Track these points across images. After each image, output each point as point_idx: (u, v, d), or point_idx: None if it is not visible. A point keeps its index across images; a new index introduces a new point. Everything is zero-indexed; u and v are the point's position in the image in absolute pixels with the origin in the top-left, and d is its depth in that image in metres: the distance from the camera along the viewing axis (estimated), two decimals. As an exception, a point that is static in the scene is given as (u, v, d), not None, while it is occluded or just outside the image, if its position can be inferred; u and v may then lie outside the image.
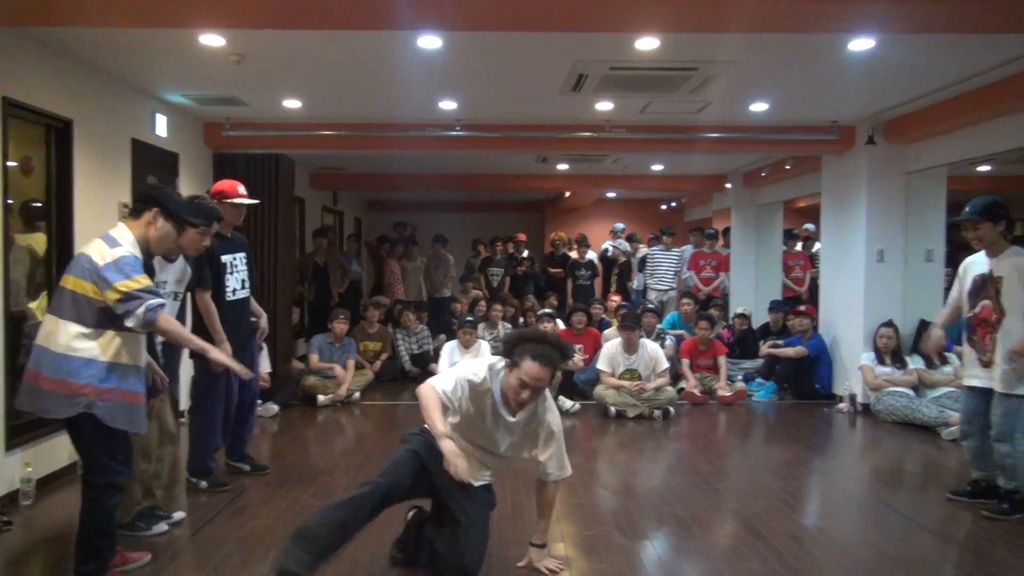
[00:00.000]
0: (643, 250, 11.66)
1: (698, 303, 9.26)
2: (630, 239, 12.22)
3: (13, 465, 4.41)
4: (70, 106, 4.94)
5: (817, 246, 9.91)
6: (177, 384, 4.19)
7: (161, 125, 6.23)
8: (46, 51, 4.75)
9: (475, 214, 15.34)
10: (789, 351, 7.87)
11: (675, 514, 4.30)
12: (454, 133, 7.07)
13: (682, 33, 4.65)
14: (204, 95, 6.20)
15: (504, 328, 9.08)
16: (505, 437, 3.39)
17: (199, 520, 4.15)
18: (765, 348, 8.36)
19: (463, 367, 3.44)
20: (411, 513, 3.72)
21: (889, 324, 6.95)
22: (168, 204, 3.31)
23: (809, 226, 11.28)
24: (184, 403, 6.57)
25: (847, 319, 7.52)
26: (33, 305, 4.73)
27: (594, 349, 7.82)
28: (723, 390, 7.61)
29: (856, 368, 7.16)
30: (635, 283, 11.33)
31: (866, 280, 7.18)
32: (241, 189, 4.74)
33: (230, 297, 4.68)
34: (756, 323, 9.27)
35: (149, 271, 3.83)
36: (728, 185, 10.99)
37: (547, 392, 3.44)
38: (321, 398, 7.35)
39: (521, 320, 9.58)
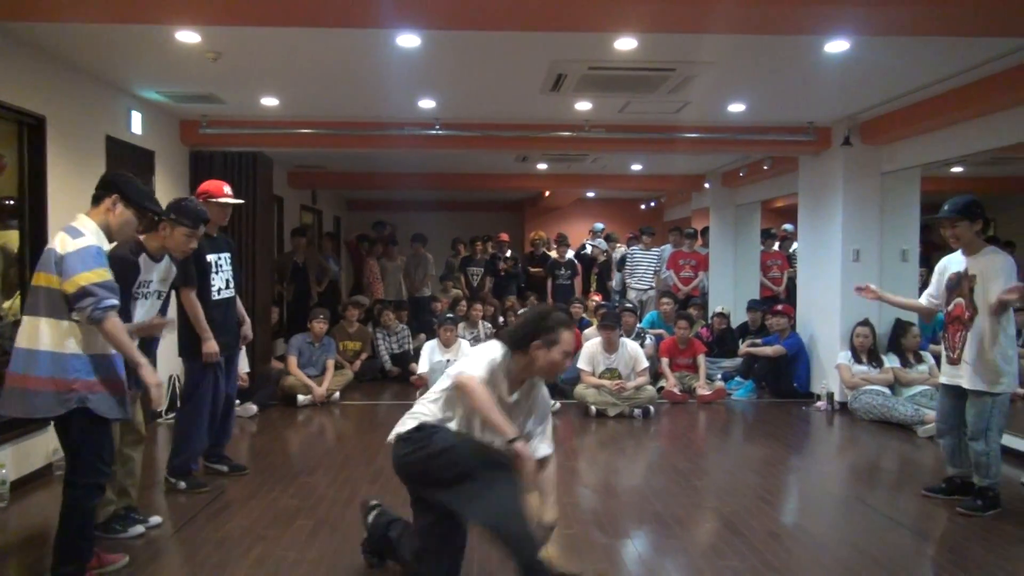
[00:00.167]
0: (620, 249, 11.71)
1: (677, 302, 9.32)
2: (608, 239, 12.26)
3: (-15, 467, 4.34)
4: (43, 103, 4.87)
5: (794, 246, 10.00)
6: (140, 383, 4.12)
7: (136, 122, 6.16)
8: (19, 46, 4.68)
9: (455, 213, 15.32)
10: (767, 350, 7.93)
11: (655, 512, 4.32)
12: (433, 132, 7.05)
13: (660, 34, 4.68)
14: (180, 92, 6.13)
15: (484, 327, 9.07)
16: (513, 418, 3.19)
17: (178, 522, 4.11)
18: (744, 347, 8.42)
19: (480, 352, 3.17)
20: (372, 515, 3.51)
21: (865, 323, 7.02)
22: (127, 190, 3.25)
23: (788, 227, 11.38)
24: (163, 403, 6.52)
25: (824, 318, 7.60)
26: (6, 305, 4.66)
27: (575, 348, 7.82)
28: (702, 389, 7.65)
29: (833, 367, 7.23)
30: (614, 282, 11.38)
31: (842, 280, 7.25)
32: (227, 189, 4.77)
33: (215, 296, 4.68)
34: (735, 322, 9.33)
35: (137, 270, 3.81)
36: (707, 185, 11.06)
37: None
38: (301, 398, 7.31)
39: (501, 320, 9.58)
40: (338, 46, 4.97)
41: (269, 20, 4.22)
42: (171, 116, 6.86)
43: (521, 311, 8.25)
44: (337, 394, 7.57)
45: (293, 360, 7.51)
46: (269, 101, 6.43)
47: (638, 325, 8.43)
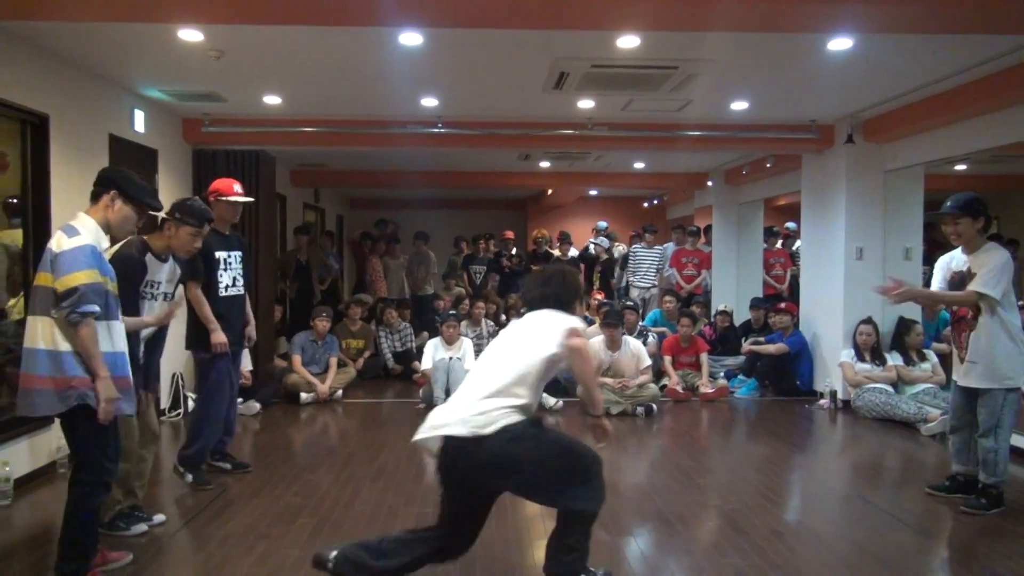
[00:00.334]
0: (619, 248, 11.71)
1: (680, 300, 9.30)
2: (608, 238, 12.26)
3: (-10, 465, 4.36)
4: (46, 101, 4.88)
5: (797, 244, 9.99)
6: (159, 383, 4.15)
7: (139, 121, 6.16)
8: (22, 45, 4.69)
9: (457, 211, 15.32)
10: (770, 348, 7.92)
11: (658, 510, 4.32)
12: (436, 130, 7.05)
13: (663, 32, 4.68)
14: (183, 91, 6.14)
15: (487, 325, 9.07)
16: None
17: (181, 520, 4.12)
18: (747, 345, 8.41)
19: (568, 319, 3.11)
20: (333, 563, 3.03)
21: (868, 321, 7.01)
22: (126, 186, 3.25)
23: (790, 225, 11.37)
24: (165, 401, 6.53)
25: (827, 316, 7.59)
26: (11, 303, 4.68)
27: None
28: (705, 387, 7.65)
29: (836, 365, 7.22)
30: (616, 280, 11.37)
31: (846, 278, 7.25)
32: (237, 187, 4.82)
33: (222, 293, 4.71)
34: (738, 320, 9.32)
35: (143, 269, 3.82)
36: (709, 183, 11.04)
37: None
38: (304, 396, 7.32)
39: (504, 318, 9.58)
40: (340, 44, 4.98)
41: (271, 18, 4.23)
42: (174, 114, 6.86)
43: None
44: (340, 392, 7.58)
45: (297, 359, 7.51)
46: (272, 99, 6.43)
47: (640, 323, 8.42)
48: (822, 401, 7.34)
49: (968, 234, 4.26)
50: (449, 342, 7.30)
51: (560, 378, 7.50)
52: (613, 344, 7.11)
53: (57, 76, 5.05)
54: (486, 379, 3.00)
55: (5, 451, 4.50)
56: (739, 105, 6.59)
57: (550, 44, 4.95)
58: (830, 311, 7.50)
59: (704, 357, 7.90)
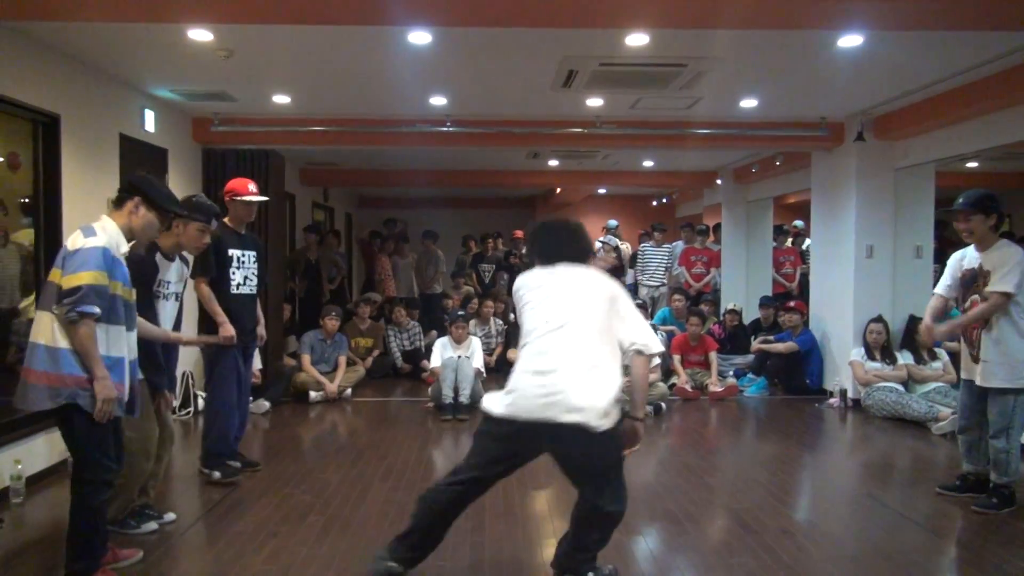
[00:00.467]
0: (623, 246, 11.73)
1: (689, 299, 9.28)
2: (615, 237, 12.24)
3: (3, 462, 4.39)
4: (58, 101, 4.91)
5: (807, 242, 9.95)
6: (174, 385, 4.19)
7: (149, 120, 6.19)
8: (33, 46, 4.72)
9: (466, 210, 15.33)
10: (780, 347, 7.90)
11: (667, 509, 4.32)
12: (445, 129, 7.06)
13: (671, 29, 4.66)
14: (192, 90, 6.16)
15: (496, 324, 9.08)
16: None
17: (191, 518, 4.14)
18: (756, 344, 8.38)
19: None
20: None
21: (879, 320, 6.98)
22: (151, 193, 3.29)
23: (798, 223, 11.32)
24: (176, 400, 6.56)
25: (837, 315, 7.56)
26: (26, 303, 4.71)
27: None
28: (714, 386, 7.63)
29: (846, 363, 7.19)
30: (628, 279, 11.35)
31: (856, 276, 7.22)
32: (252, 187, 4.86)
33: (234, 291, 4.74)
34: (747, 319, 9.30)
35: (154, 268, 3.85)
36: (719, 181, 11.01)
37: None
38: (313, 394, 7.34)
39: (512, 316, 9.58)
40: (349, 44, 4.98)
41: (280, 18, 4.24)
42: (184, 114, 6.89)
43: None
44: (349, 390, 7.60)
45: (307, 358, 7.54)
46: (281, 99, 6.45)
47: (649, 321, 8.41)
48: (832, 400, 7.32)
49: (980, 231, 4.24)
50: (458, 342, 7.31)
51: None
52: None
53: (68, 76, 5.07)
54: (589, 354, 2.95)
55: (21, 448, 4.54)
56: (748, 103, 6.57)
57: (559, 43, 4.94)
58: (840, 309, 7.47)
59: (713, 356, 7.89)
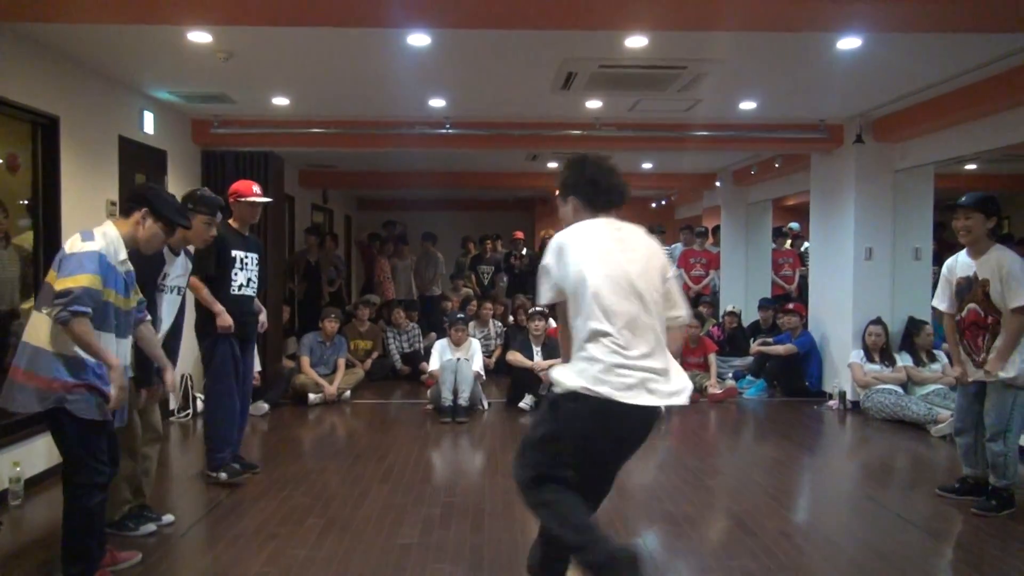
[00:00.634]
0: None
1: (688, 301, 9.27)
2: None
3: (2, 465, 4.38)
4: (57, 103, 4.91)
5: (806, 244, 9.95)
6: (166, 385, 4.16)
7: (149, 122, 6.19)
8: (33, 47, 4.72)
9: (465, 212, 15.33)
10: (779, 349, 7.90)
11: (666, 511, 4.31)
12: (444, 131, 7.05)
13: (671, 32, 4.66)
14: (192, 92, 6.16)
15: (495, 326, 9.08)
16: None
17: (190, 520, 4.14)
18: (755, 346, 8.38)
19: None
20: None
21: (878, 322, 6.98)
22: (158, 205, 3.30)
23: (793, 225, 11.33)
24: (174, 403, 6.56)
25: (836, 317, 7.56)
26: (26, 305, 4.71)
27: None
28: (713, 388, 7.63)
29: (845, 365, 7.19)
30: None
31: (855, 278, 7.22)
32: (256, 188, 4.89)
33: (235, 292, 4.75)
34: (746, 321, 9.30)
35: (161, 261, 3.85)
36: (718, 183, 11.02)
37: None
38: (312, 397, 7.33)
39: (511, 318, 9.58)
40: (348, 46, 4.98)
41: (280, 20, 4.24)
42: (183, 116, 6.89)
43: (532, 309, 8.16)
44: (348, 393, 7.60)
45: (306, 360, 7.53)
46: (280, 101, 6.45)
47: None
48: (831, 402, 7.31)
49: (977, 231, 4.23)
50: (457, 344, 7.31)
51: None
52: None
53: (67, 78, 5.07)
54: (658, 333, 2.77)
55: (20, 450, 4.53)
56: (748, 105, 6.57)
57: (558, 44, 4.94)
58: (839, 312, 7.47)
59: (712, 358, 7.88)
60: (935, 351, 7.00)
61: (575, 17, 4.11)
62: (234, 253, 4.74)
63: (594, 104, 6.55)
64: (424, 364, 8.20)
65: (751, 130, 7.30)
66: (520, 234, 11.93)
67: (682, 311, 2.93)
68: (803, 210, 9.65)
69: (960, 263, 4.37)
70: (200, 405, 6.45)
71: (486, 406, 7.14)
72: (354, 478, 4.91)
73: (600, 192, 3.01)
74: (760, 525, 4.07)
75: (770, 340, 8.21)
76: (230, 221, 4.80)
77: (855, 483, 5.17)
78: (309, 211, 11.23)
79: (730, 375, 8.13)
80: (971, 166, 9.83)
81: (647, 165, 10.79)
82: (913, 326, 7.04)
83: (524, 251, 11.68)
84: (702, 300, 9.70)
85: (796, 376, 7.79)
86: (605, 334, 2.66)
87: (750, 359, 8.32)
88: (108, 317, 3.10)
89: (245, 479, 4.74)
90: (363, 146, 7.54)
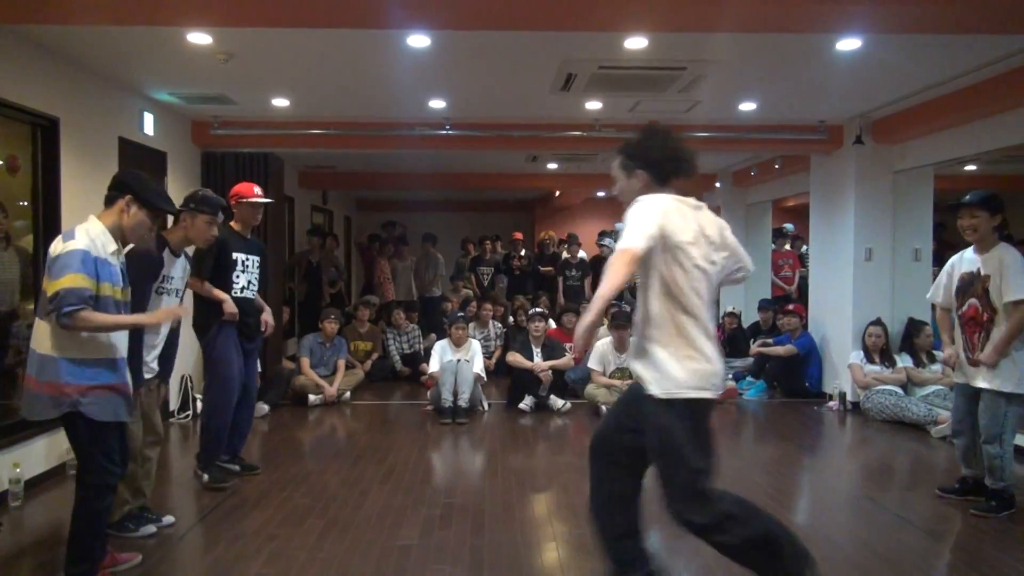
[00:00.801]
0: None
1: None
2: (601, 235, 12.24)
3: (2, 466, 4.38)
4: (57, 104, 4.91)
5: (806, 247, 9.95)
6: (168, 374, 4.17)
7: (149, 124, 6.19)
8: (32, 49, 4.72)
9: (465, 213, 15.33)
10: (779, 350, 7.90)
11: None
12: (443, 132, 7.06)
13: (671, 33, 4.67)
14: (192, 93, 6.17)
15: (495, 327, 9.08)
16: None
17: (190, 521, 4.14)
18: (755, 347, 8.38)
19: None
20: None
21: (878, 323, 6.99)
22: (141, 191, 3.22)
23: (788, 226, 11.32)
24: (174, 403, 6.56)
25: (836, 318, 7.56)
26: (27, 307, 4.71)
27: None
28: (713, 388, 7.61)
29: (845, 366, 7.19)
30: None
31: (855, 279, 7.22)
32: (257, 190, 4.90)
33: (236, 294, 4.76)
34: (746, 322, 9.30)
35: (160, 264, 3.85)
36: (717, 184, 11.02)
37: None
38: (312, 398, 7.33)
39: (511, 320, 9.58)
40: (348, 47, 4.99)
41: (280, 21, 4.24)
42: (183, 117, 6.90)
43: (532, 311, 8.15)
44: (348, 394, 7.60)
45: (306, 361, 7.53)
46: (280, 102, 6.45)
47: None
48: (831, 403, 7.32)
49: (984, 230, 4.23)
50: (457, 344, 7.31)
51: (567, 379, 7.51)
52: (622, 345, 7.10)
53: (67, 79, 5.08)
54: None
55: (20, 452, 4.53)
56: (747, 106, 6.58)
57: (558, 46, 4.95)
58: (839, 313, 7.48)
59: (712, 359, 7.87)
60: (935, 352, 6.99)
61: (575, 18, 4.11)
62: (235, 256, 4.74)
63: (594, 105, 6.55)
64: (424, 365, 8.20)
65: (751, 131, 7.30)
66: (519, 235, 11.95)
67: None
68: (803, 211, 9.65)
69: (966, 259, 4.38)
70: (200, 406, 6.45)
71: (486, 407, 7.14)
72: (354, 479, 4.91)
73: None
74: (760, 526, 4.06)
75: (770, 341, 8.21)
76: (232, 223, 4.80)
77: (855, 484, 5.17)
78: (309, 212, 11.23)
79: (730, 376, 8.13)
80: (971, 167, 9.83)
81: (647, 166, 10.77)
82: (913, 327, 7.05)
83: (523, 252, 11.69)
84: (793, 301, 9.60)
85: (796, 377, 7.79)
86: (704, 327, 2.63)
87: (750, 360, 8.32)
88: (108, 310, 3.08)
89: (231, 484, 4.69)
90: (363, 147, 7.54)
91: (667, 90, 5.96)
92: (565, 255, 11.06)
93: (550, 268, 11.24)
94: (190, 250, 4.32)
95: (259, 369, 6.68)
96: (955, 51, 4.98)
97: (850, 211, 7.25)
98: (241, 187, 4.90)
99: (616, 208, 13.48)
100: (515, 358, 7.29)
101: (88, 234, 3.09)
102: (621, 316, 7.28)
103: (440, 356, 7.21)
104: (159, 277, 3.93)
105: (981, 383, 4.24)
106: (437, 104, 6.52)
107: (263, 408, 6.88)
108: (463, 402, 6.67)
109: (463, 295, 10.62)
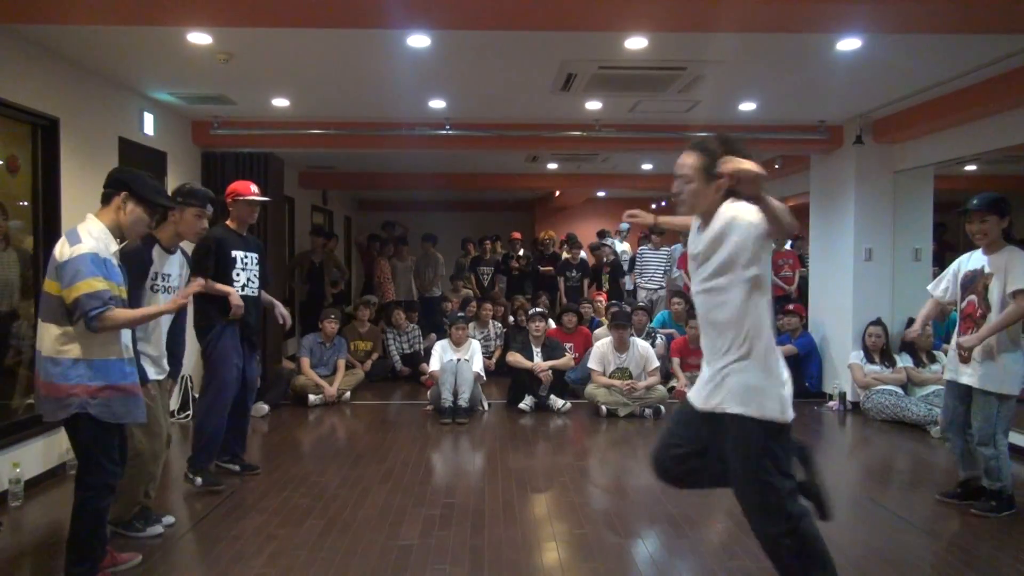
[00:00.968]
0: (622, 247, 11.76)
1: (688, 302, 9.27)
2: (600, 235, 12.30)
3: (2, 466, 4.39)
4: (57, 104, 4.91)
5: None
6: (178, 371, 4.18)
7: (149, 124, 6.19)
8: (33, 49, 4.72)
9: (465, 213, 15.35)
10: (778, 350, 7.88)
11: (667, 513, 4.31)
12: (443, 132, 7.06)
13: (670, 33, 4.67)
14: (192, 94, 6.17)
15: (495, 327, 9.08)
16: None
17: (190, 521, 4.14)
18: (755, 347, 8.36)
19: None
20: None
21: (878, 323, 6.99)
22: (137, 187, 3.22)
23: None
24: (174, 403, 6.56)
25: (836, 318, 7.56)
26: (30, 307, 4.71)
27: (585, 348, 7.83)
28: (713, 389, 7.61)
29: (845, 366, 7.19)
30: (627, 282, 11.35)
31: (855, 279, 7.23)
32: (254, 188, 4.89)
33: (238, 292, 4.73)
34: (746, 322, 9.26)
35: (148, 261, 3.83)
36: (717, 184, 10.99)
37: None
38: (312, 398, 7.33)
39: (511, 319, 9.58)
40: (348, 47, 4.99)
41: (280, 21, 4.24)
42: (183, 117, 6.90)
43: (532, 311, 8.16)
44: (348, 394, 7.60)
45: (306, 361, 7.53)
46: (280, 102, 6.45)
47: (649, 325, 8.41)
48: (831, 403, 7.32)
49: (994, 234, 4.22)
50: (457, 344, 7.31)
51: (567, 379, 7.51)
52: (621, 346, 7.10)
53: (67, 79, 5.08)
54: None
55: (19, 451, 4.53)
56: (747, 106, 6.58)
57: (558, 46, 4.95)
58: (839, 313, 7.48)
59: (713, 359, 7.86)
60: (935, 352, 7.00)
61: (575, 18, 4.11)
62: (234, 254, 4.74)
63: (594, 105, 6.56)
64: (424, 365, 8.20)
65: (751, 131, 7.29)
66: (517, 234, 11.95)
67: None
68: (803, 211, 9.64)
69: (974, 257, 4.39)
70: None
71: (486, 407, 7.14)
72: (354, 479, 4.91)
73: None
74: (760, 526, 4.06)
75: (770, 341, 8.18)
76: (228, 222, 4.79)
77: (855, 484, 5.17)
78: (309, 212, 11.23)
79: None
80: (971, 167, 9.82)
81: (647, 166, 10.80)
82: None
83: (522, 252, 11.69)
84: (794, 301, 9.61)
85: (796, 377, 7.66)
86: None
87: (750, 360, 8.29)
88: None
89: (223, 487, 4.67)
90: (363, 147, 7.54)
91: (667, 90, 5.96)
92: (565, 256, 11.06)
93: (550, 268, 11.24)
94: (188, 248, 4.32)
95: (259, 372, 6.71)
96: (955, 51, 4.98)
97: (850, 211, 7.26)
98: (238, 185, 4.88)
99: (616, 208, 13.46)
100: (515, 358, 7.29)
101: (92, 235, 3.11)
102: (621, 316, 7.29)
103: (440, 356, 7.21)
104: (148, 274, 3.89)
105: (966, 379, 4.26)
106: (437, 104, 6.52)
107: (263, 408, 6.88)
108: (463, 402, 6.68)
109: (463, 295, 10.62)
